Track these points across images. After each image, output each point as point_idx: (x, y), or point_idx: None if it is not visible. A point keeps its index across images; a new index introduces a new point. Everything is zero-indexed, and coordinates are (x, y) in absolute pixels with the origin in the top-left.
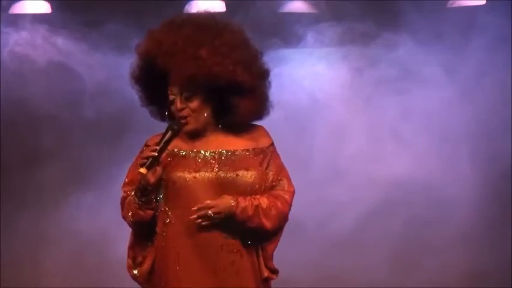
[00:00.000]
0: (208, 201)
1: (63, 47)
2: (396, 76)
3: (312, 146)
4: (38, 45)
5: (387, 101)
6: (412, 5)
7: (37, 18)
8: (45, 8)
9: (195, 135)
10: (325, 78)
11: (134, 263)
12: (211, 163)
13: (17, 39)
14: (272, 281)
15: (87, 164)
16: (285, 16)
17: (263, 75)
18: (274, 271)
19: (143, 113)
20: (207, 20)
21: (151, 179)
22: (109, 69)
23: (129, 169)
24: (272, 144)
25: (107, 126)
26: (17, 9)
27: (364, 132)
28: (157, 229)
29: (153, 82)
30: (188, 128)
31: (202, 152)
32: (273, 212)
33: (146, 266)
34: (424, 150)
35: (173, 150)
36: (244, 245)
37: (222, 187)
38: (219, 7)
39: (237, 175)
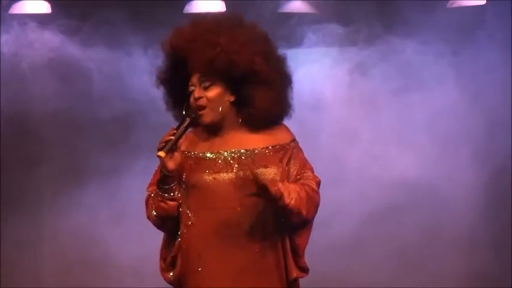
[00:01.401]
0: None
1: (63, 47)
2: (396, 76)
3: (313, 147)
4: (38, 45)
5: (388, 101)
6: (412, 5)
7: (37, 18)
8: (45, 8)
9: (214, 134)
10: (326, 78)
11: (165, 264)
12: (230, 163)
13: (17, 39)
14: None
15: (87, 164)
16: (285, 16)
17: (285, 74)
18: (305, 269)
19: (144, 114)
20: (228, 15)
21: (170, 164)
22: (110, 69)
23: (155, 172)
24: (293, 140)
25: (108, 127)
26: (17, 9)
27: (365, 133)
28: (180, 231)
29: (177, 83)
30: (205, 120)
31: (221, 152)
32: (309, 198)
33: (179, 268)
34: (426, 151)
35: (194, 153)
36: (267, 246)
37: (242, 186)
38: (219, 7)
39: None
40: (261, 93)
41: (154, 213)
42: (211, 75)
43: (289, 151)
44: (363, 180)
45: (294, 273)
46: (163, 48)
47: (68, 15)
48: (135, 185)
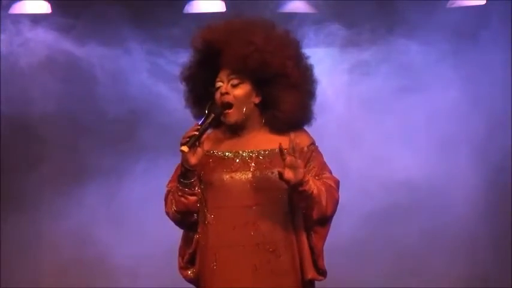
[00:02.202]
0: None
1: (63, 47)
2: (397, 76)
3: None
4: (38, 45)
5: (389, 101)
6: (412, 5)
7: (37, 18)
8: (45, 8)
9: (236, 134)
10: (327, 79)
11: (184, 262)
12: (248, 163)
13: (17, 39)
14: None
15: (87, 164)
16: (286, 16)
17: (311, 81)
18: (322, 272)
19: (146, 114)
20: (263, 18)
21: (192, 159)
22: (110, 69)
23: (176, 168)
24: (312, 143)
25: (109, 127)
26: (17, 9)
27: (365, 133)
28: (199, 229)
29: (201, 80)
30: (229, 119)
31: (240, 152)
32: (329, 194)
33: (198, 265)
34: (427, 152)
35: (213, 152)
36: (282, 245)
37: (258, 186)
38: (219, 7)
39: (273, 173)
40: (288, 97)
41: (175, 208)
42: (242, 73)
43: (308, 154)
44: (363, 180)
45: (310, 274)
46: (193, 42)
47: (67, 15)
48: (135, 186)
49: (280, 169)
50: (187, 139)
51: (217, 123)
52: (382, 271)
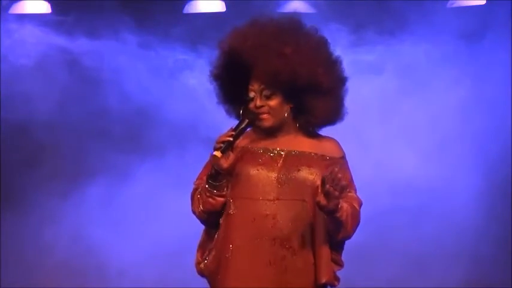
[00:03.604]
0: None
1: (63, 47)
2: (397, 76)
3: None
4: (38, 45)
5: (389, 101)
6: (412, 5)
7: (37, 18)
8: (45, 8)
9: (270, 134)
10: None
11: (202, 257)
12: (276, 160)
13: (18, 39)
14: None
15: (87, 165)
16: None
17: (342, 79)
18: (337, 278)
19: (146, 117)
20: (291, 21)
21: (224, 164)
22: (110, 69)
23: (204, 166)
24: (343, 157)
25: (109, 128)
26: (17, 9)
27: (366, 133)
28: (221, 220)
29: (233, 79)
30: (265, 124)
31: (270, 149)
32: (354, 216)
33: (211, 258)
34: (429, 154)
35: (244, 146)
36: (298, 244)
37: (282, 182)
38: (219, 7)
39: (299, 170)
40: (322, 103)
41: (202, 208)
42: (273, 86)
43: (337, 164)
44: (363, 183)
45: (324, 278)
46: (220, 46)
47: (67, 15)
48: (135, 188)
49: (318, 197)
50: (221, 144)
51: (252, 126)
52: (386, 274)
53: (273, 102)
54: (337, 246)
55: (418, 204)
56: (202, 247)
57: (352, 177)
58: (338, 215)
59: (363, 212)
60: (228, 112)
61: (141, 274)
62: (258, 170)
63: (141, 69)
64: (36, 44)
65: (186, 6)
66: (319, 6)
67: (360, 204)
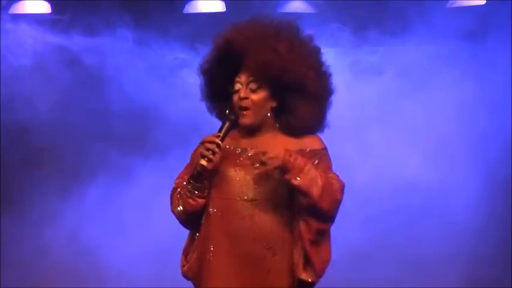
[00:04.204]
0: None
1: (63, 47)
2: (395, 76)
3: None
4: (38, 45)
5: (388, 102)
6: (412, 5)
7: (37, 18)
8: (45, 8)
9: (249, 134)
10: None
11: (187, 260)
12: (254, 161)
13: (18, 39)
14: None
15: (87, 166)
16: (285, 16)
17: (329, 90)
18: (316, 274)
19: (146, 116)
20: (289, 25)
21: (209, 166)
22: (111, 69)
23: (185, 166)
24: (324, 149)
25: (109, 127)
26: (17, 9)
27: (366, 134)
28: (202, 220)
29: (221, 75)
30: (245, 121)
31: (249, 149)
32: (321, 182)
33: (193, 260)
34: (430, 155)
35: (224, 147)
36: (278, 244)
37: (260, 183)
38: (219, 7)
39: (275, 171)
40: (305, 106)
41: (181, 209)
42: (261, 79)
43: (318, 156)
44: (364, 183)
45: (302, 274)
46: (216, 40)
47: (67, 15)
48: (136, 188)
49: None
50: (211, 156)
51: (235, 124)
52: (385, 274)
53: (256, 97)
54: (319, 237)
55: (419, 204)
56: (186, 250)
57: (331, 166)
58: (304, 186)
59: (363, 212)
60: (209, 110)
61: (141, 274)
62: (235, 170)
63: (141, 69)
64: (36, 44)
65: (186, 6)
66: (319, 6)
67: (341, 185)
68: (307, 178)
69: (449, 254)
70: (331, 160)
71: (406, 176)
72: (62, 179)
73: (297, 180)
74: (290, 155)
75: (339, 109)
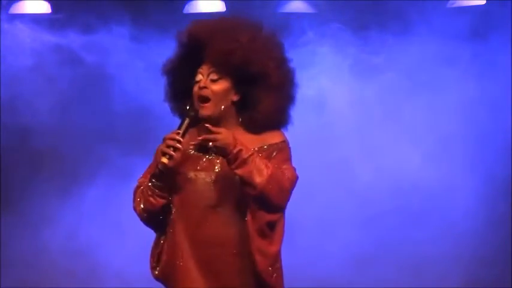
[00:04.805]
0: (210, 136)
1: (63, 47)
2: (395, 76)
3: (313, 149)
4: (38, 45)
5: (389, 102)
6: (412, 5)
7: (37, 18)
8: (45, 8)
9: (208, 132)
10: (327, 79)
11: (154, 262)
12: (215, 162)
13: (18, 39)
14: None
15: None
16: (285, 16)
17: (291, 84)
18: (267, 274)
19: (147, 117)
20: (254, 22)
21: (170, 163)
22: (111, 69)
23: (149, 165)
24: (284, 141)
25: (109, 127)
26: (17, 9)
27: (366, 134)
28: (169, 226)
29: (182, 76)
30: (204, 112)
31: (209, 152)
32: (267, 171)
33: (164, 263)
34: (428, 155)
35: (185, 149)
36: (243, 247)
37: (221, 187)
38: (219, 7)
39: (237, 174)
40: (267, 98)
41: (142, 207)
42: (223, 69)
43: (275, 149)
44: (365, 183)
45: (262, 274)
46: (179, 36)
47: (67, 15)
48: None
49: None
50: (172, 152)
51: (194, 123)
52: (385, 275)
53: (216, 87)
54: (267, 229)
55: (419, 205)
56: (154, 251)
57: (289, 159)
58: (233, 159)
59: (363, 212)
60: (172, 110)
61: (140, 275)
62: (196, 175)
63: (141, 69)
64: (36, 43)
65: (186, 6)
66: (319, 6)
67: (292, 176)
68: (250, 167)
69: (449, 254)
70: (291, 153)
71: (407, 176)
72: (62, 179)
73: (239, 170)
74: (214, 139)
75: (339, 109)
